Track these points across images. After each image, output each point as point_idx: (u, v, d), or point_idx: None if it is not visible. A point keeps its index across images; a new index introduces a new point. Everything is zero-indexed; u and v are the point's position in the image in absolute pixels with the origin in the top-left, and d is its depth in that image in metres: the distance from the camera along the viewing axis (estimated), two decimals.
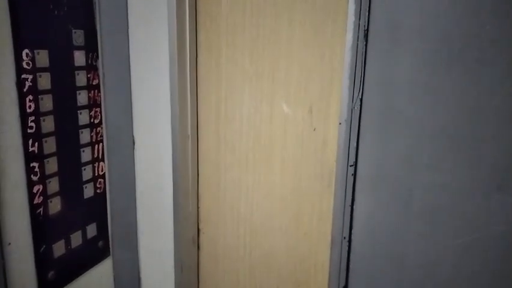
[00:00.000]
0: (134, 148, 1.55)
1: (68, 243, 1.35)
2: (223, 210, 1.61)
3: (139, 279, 1.65)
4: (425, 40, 1.10)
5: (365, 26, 1.16)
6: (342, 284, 1.33)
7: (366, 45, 1.17)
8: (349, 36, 1.18)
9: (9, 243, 1.14)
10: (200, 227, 1.67)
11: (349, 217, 1.28)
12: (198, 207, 1.65)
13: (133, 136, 1.54)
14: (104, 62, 1.39)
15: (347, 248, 1.30)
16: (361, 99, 1.21)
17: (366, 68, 1.18)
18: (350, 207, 1.28)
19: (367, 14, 1.15)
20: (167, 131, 1.47)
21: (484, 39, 1.03)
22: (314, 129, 1.39)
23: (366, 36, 1.16)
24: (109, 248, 1.53)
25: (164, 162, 1.50)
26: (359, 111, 1.21)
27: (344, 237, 1.30)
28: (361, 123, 1.22)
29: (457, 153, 1.10)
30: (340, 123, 1.25)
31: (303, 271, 1.51)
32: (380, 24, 1.14)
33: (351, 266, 1.31)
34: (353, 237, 1.29)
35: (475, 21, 1.04)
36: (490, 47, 1.03)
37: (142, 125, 1.52)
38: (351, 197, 1.27)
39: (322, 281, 1.48)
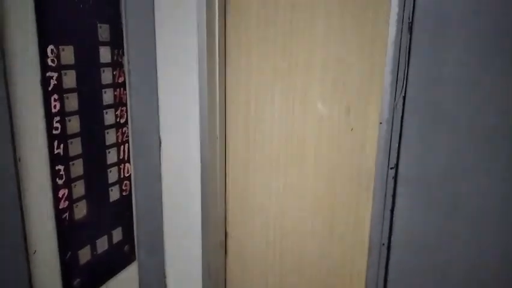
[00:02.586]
0: (160, 149, 1.50)
1: (93, 248, 1.31)
2: (251, 213, 1.55)
3: (165, 284, 1.61)
4: (475, 34, 1.01)
5: (409, 18, 1.08)
6: None
7: (410, 38, 1.09)
8: (392, 29, 1.10)
9: (35, 251, 1.10)
10: (228, 231, 1.61)
11: (389, 222, 1.21)
12: (225, 210, 1.59)
13: (159, 136, 1.50)
14: (130, 59, 1.34)
15: (385, 255, 1.24)
16: (404, 97, 1.13)
17: (410, 63, 1.11)
18: (390, 212, 1.21)
19: (412, 5, 1.07)
20: (195, 131, 1.42)
21: None
22: (352, 130, 1.31)
23: (410, 29, 1.09)
24: (134, 252, 1.49)
25: (192, 163, 1.45)
26: (401, 110, 1.14)
27: (383, 244, 1.23)
28: (403, 123, 1.15)
29: (507, 156, 1.03)
30: (381, 123, 1.17)
31: (337, 279, 1.44)
32: (426, 16, 1.06)
33: (389, 274, 1.25)
34: (392, 244, 1.22)
35: None
36: None
37: (169, 125, 1.48)
38: (391, 202, 1.20)
39: None
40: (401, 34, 1.10)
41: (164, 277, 1.61)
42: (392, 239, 1.22)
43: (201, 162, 1.44)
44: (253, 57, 1.41)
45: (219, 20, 1.38)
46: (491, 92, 1.02)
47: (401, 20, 1.09)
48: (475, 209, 1.09)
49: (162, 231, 1.57)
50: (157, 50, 1.42)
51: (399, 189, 1.18)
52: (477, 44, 1.01)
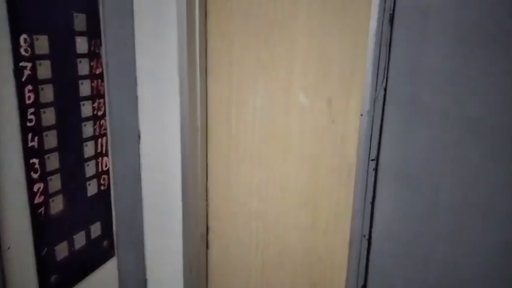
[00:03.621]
0: (139, 142, 1.47)
1: (71, 244, 1.27)
2: (234, 206, 1.53)
3: (145, 280, 1.58)
4: (455, 25, 1.02)
5: (390, 9, 1.08)
6: (361, 283, 1.28)
7: (391, 30, 1.09)
8: (373, 21, 1.10)
9: (9, 247, 1.06)
10: (209, 225, 1.60)
11: (369, 214, 1.22)
12: (207, 204, 1.57)
13: (138, 129, 1.47)
14: (107, 49, 1.30)
15: (366, 246, 1.24)
16: (385, 89, 1.13)
17: (391, 55, 1.11)
18: (370, 204, 1.21)
19: None
20: (175, 123, 1.40)
21: None
22: (333, 121, 1.31)
23: (391, 20, 1.09)
24: (113, 247, 1.46)
25: (172, 156, 1.43)
26: (382, 102, 1.14)
27: (364, 235, 1.24)
28: (384, 115, 1.15)
29: (487, 148, 1.03)
30: (362, 115, 1.17)
31: (319, 270, 1.45)
32: (407, 8, 1.06)
33: (370, 265, 1.25)
34: (373, 235, 1.23)
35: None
36: None
37: (148, 117, 1.45)
38: (372, 193, 1.20)
39: (339, 281, 1.41)
40: (382, 26, 1.09)
41: (145, 272, 1.59)
42: (373, 230, 1.22)
43: (182, 155, 1.41)
44: (235, 48, 1.39)
45: (199, 9, 1.36)
46: (473, 83, 1.02)
47: (382, 12, 1.09)
48: (457, 201, 1.09)
49: (142, 226, 1.54)
50: (136, 40, 1.38)
51: (380, 181, 1.19)
52: (458, 36, 1.02)
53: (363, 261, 1.25)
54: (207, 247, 1.62)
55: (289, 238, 1.47)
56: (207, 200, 1.57)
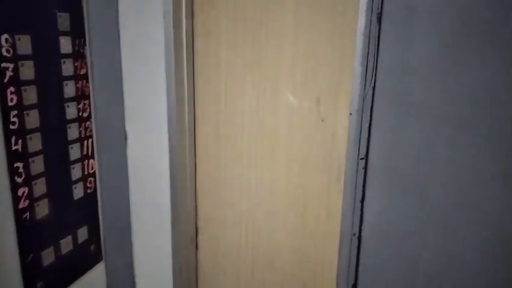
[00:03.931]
0: (126, 144, 1.45)
1: (57, 249, 1.24)
2: (223, 208, 1.52)
3: (134, 283, 1.56)
4: (442, 24, 1.02)
5: (378, 8, 1.08)
6: (351, 282, 1.28)
7: (379, 29, 1.09)
8: (361, 20, 1.10)
9: None
10: (199, 226, 1.58)
11: (359, 213, 1.22)
12: (196, 206, 1.56)
13: (125, 131, 1.44)
14: (92, 49, 1.27)
15: (356, 245, 1.24)
16: (374, 88, 1.14)
17: (379, 54, 1.11)
18: (360, 203, 1.21)
19: None
20: (162, 124, 1.38)
21: (507, 23, 0.96)
22: (322, 121, 1.30)
23: (379, 20, 1.09)
24: (101, 252, 1.43)
25: (160, 157, 1.41)
26: (371, 101, 1.14)
27: (354, 234, 1.24)
28: (373, 114, 1.15)
29: (476, 145, 1.04)
30: (351, 114, 1.17)
31: (309, 270, 1.45)
32: (395, 7, 1.06)
33: (361, 264, 1.26)
34: (363, 234, 1.23)
35: (497, 1, 0.96)
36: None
37: (135, 119, 1.42)
38: (361, 192, 1.20)
39: (330, 280, 1.41)
40: (370, 25, 1.09)
41: (133, 276, 1.56)
42: (363, 229, 1.22)
43: (170, 156, 1.40)
44: (222, 48, 1.38)
45: (186, 9, 1.34)
46: (461, 82, 1.03)
47: (370, 11, 1.09)
48: (446, 199, 1.10)
49: (130, 229, 1.52)
50: (121, 40, 1.36)
51: (369, 180, 1.19)
52: (445, 34, 1.02)
53: (354, 260, 1.25)
54: (197, 249, 1.60)
55: (279, 238, 1.46)
56: (196, 202, 1.56)
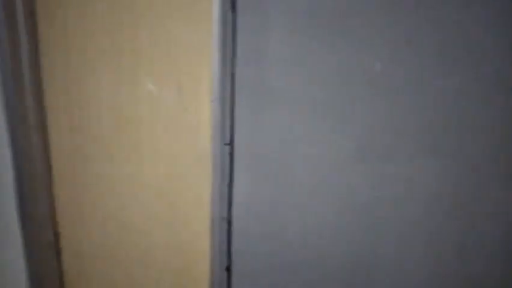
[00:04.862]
0: None
1: None
2: (85, 208, 1.41)
3: None
4: (293, 12, 1.08)
5: None
6: (225, 264, 1.30)
7: (235, 17, 1.10)
8: (215, 9, 1.10)
9: None
10: (59, 231, 1.43)
11: (227, 197, 1.24)
12: (53, 208, 1.41)
13: None
14: None
15: (226, 228, 1.27)
16: (233, 75, 1.15)
17: (237, 42, 1.12)
18: (227, 187, 1.24)
19: None
20: (0, 121, 1.20)
21: (352, 11, 1.04)
22: (186, 109, 1.28)
23: (233, 7, 1.10)
24: None
25: (0, 158, 1.23)
26: (231, 88, 1.16)
27: (223, 218, 1.26)
28: (234, 100, 1.17)
29: (330, 125, 1.13)
30: (212, 101, 1.18)
31: (183, 259, 1.44)
32: None
33: (233, 246, 1.29)
34: (233, 217, 1.26)
35: None
36: (356, 16, 1.05)
37: None
38: (228, 177, 1.23)
39: (204, 265, 1.43)
40: (226, 14, 1.10)
41: None
42: (232, 212, 1.25)
43: (14, 156, 1.24)
44: (70, 35, 1.24)
45: None
46: (314, 68, 1.09)
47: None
48: (306, 176, 1.17)
49: None
50: None
51: (236, 164, 1.21)
52: (296, 22, 1.07)
53: (225, 243, 1.28)
54: (59, 255, 1.46)
55: (151, 233, 1.42)
56: (53, 203, 1.41)
